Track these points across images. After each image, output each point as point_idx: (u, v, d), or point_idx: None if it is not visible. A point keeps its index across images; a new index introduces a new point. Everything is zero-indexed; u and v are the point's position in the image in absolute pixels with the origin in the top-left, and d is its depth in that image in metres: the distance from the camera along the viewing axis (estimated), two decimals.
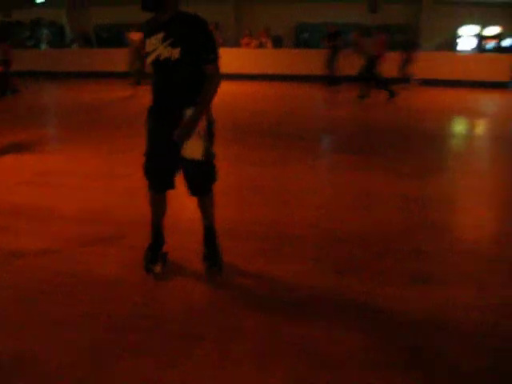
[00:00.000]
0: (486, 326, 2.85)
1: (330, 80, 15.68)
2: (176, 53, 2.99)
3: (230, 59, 15.73)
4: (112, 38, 21.94)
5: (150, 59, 3.09)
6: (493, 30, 20.54)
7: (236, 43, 19.45)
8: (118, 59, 16.11)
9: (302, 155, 6.82)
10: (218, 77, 3.12)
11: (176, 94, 3.11)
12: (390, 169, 6.14)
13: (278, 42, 19.38)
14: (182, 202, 3.85)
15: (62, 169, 6.05)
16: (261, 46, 17.65)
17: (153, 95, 3.22)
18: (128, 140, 7.56)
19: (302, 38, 22.15)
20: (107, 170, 5.93)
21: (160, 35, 3.02)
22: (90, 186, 5.32)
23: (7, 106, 11.90)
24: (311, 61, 17.23)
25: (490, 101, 14.04)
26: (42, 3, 21.45)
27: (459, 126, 10.37)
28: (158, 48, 3.02)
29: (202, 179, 3.29)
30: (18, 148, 7.06)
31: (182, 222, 4.08)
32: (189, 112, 3.02)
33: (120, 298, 3.10)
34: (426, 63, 16.47)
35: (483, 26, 20.40)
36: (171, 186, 3.33)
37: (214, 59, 3.08)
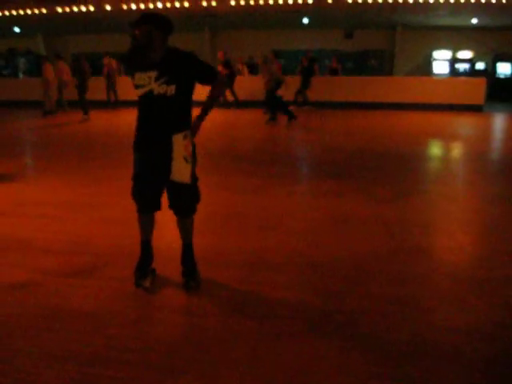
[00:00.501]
0: (470, 348, 2.82)
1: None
2: (171, 89, 3.20)
3: (205, 86, 15.81)
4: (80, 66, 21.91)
5: (140, 92, 3.27)
6: (465, 54, 20.98)
7: None
8: (94, 87, 16.09)
9: (280, 181, 6.83)
10: (223, 80, 3.66)
11: (166, 124, 3.29)
12: (367, 192, 6.16)
13: (254, 69, 19.56)
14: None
15: (38, 199, 5.94)
16: (237, 73, 17.75)
17: (139, 125, 3.39)
18: (103, 170, 7.53)
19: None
20: (84, 200, 5.85)
21: (153, 73, 3.19)
22: (67, 217, 5.23)
23: None
24: (287, 87, 17.39)
25: (464, 123, 14.24)
26: (18, 32, 21.37)
27: (434, 149, 10.47)
28: (151, 84, 3.20)
29: (188, 200, 3.49)
30: None
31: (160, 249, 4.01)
32: (177, 138, 3.25)
33: (100, 330, 3.02)
34: (400, 87, 16.78)
35: (456, 50, 20.81)
36: (158, 207, 3.53)
37: (215, 73, 3.42)
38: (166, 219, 3.96)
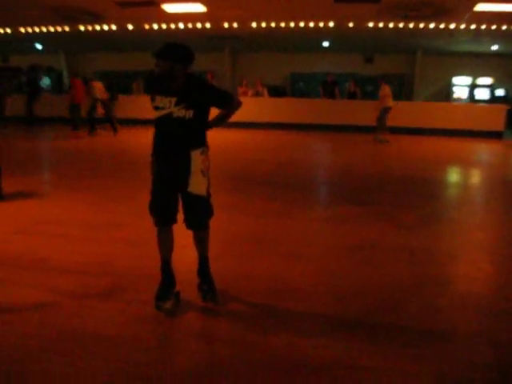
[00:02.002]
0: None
1: None
2: (190, 113, 3.42)
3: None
4: (112, 84, 22.15)
5: (159, 114, 3.48)
6: (485, 81, 20.89)
7: (232, 91, 19.65)
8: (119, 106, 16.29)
9: (301, 206, 6.73)
10: (237, 103, 3.72)
11: (184, 141, 3.50)
12: (389, 219, 6.04)
13: (274, 91, 19.57)
14: None
15: (58, 218, 5.89)
16: (257, 94, 17.80)
17: (158, 142, 3.57)
18: (125, 188, 7.49)
19: (298, 87, 22.40)
20: (105, 220, 5.80)
21: (173, 99, 3.41)
22: (88, 236, 5.18)
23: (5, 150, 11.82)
24: (308, 109, 17.42)
25: (485, 150, 14.11)
26: (40, 49, 21.67)
27: (455, 175, 10.35)
28: (171, 108, 3.42)
29: (203, 213, 3.64)
30: (15, 195, 6.92)
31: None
32: (195, 153, 3.49)
33: (118, 356, 2.92)
34: (420, 112, 16.70)
35: (476, 76, 20.73)
36: (174, 219, 3.63)
37: (230, 100, 3.65)
38: (185, 242, 3.90)
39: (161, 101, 3.45)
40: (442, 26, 14.85)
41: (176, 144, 3.51)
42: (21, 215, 6.01)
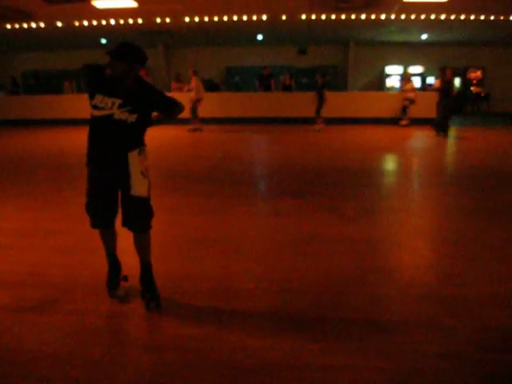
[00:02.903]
0: (452, 374, 2.70)
1: None
2: (133, 117, 3.32)
3: None
4: (39, 84, 21.41)
5: (97, 113, 3.33)
6: (416, 69, 21.42)
7: (167, 87, 19.38)
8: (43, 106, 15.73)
9: (241, 201, 6.66)
10: (179, 106, 3.61)
11: (121, 143, 3.38)
12: (331, 210, 6.05)
13: (208, 86, 19.36)
14: None
15: None
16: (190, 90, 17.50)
17: (93, 142, 3.43)
18: (57, 193, 7.20)
19: (233, 81, 22.31)
20: (36, 226, 5.54)
21: (117, 101, 3.28)
22: (20, 245, 4.92)
23: None
24: (243, 103, 17.37)
25: (420, 138, 14.44)
26: None
27: (393, 164, 10.53)
28: (113, 109, 3.28)
29: (145, 215, 3.52)
30: None
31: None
32: (132, 155, 3.38)
33: (61, 374, 2.76)
34: (354, 102, 16.94)
35: (407, 65, 21.22)
36: (111, 222, 3.59)
37: (175, 106, 3.57)
38: (125, 245, 3.75)
39: (101, 100, 3.29)
40: (373, 16, 15.10)
41: (113, 146, 3.38)
42: None
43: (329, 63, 21.48)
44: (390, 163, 10.58)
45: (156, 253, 3.84)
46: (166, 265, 4.26)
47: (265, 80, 17.47)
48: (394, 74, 21.48)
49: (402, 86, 17.91)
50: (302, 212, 6.03)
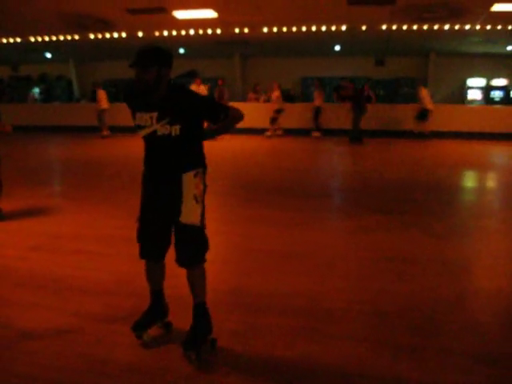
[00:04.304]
0: None
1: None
2: (176, 129, 2.95)
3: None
4: (119, 92, 21.97)
5: (143, 133, 3.03)
6: (500, 82, 20.60)
7: (243, 97, 19.47)
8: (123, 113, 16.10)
9: (319, 215, 6.50)
10: (236, 115, 3.18)
11: (174, 163, 3.06)
12: (419, 228, 5.79)
13: (285, 96, 19.29)
14: None
15: (74, 232, 5.66)
16: (269, 100, 17.51)
17: (147, 163, 3.18)
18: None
19: (309, 91, 22.13)
20: (123, 234, 5.55)
21: (154, 114, 2.96)
22: (107, 253, 4.95)
23: (15, 162, 11.67)
24: (325, 114, 17.18)
25: (506, 152, 13.81)
26: (50, 58, 21.60)
27: (480, 180, 10.06)
28: (153, 125, 2.97)
29: (196, 246, 3.10)
30: (28, 208, 6.72)
31: None
32: (187, 176, 3.02)
33: None
34: (436, 114, 16.41)
35: (490, 78, 20.45)
36: (163, 254, 3.22)
37: (224, 112, 3.08)
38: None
39: (141, 118, 3.00)
40: (456, 27, 14.58)
41: (165, 166, 3.08)
42: (34, 230, 5.79)
43: (407, 75, 20.96)
44: (477, 180, 10.12)
45: (242, 266, 3.75)
46: (252, 280, 4.16)
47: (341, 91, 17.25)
48: (476, 87, 20.73)
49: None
50: (389, 229, 5.80)
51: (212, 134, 3.34)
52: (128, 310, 3.62)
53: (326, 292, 4.00)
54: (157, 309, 3.31)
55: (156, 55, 2.92)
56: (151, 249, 3.19)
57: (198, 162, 3.12)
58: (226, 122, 3.14)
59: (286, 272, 4.44)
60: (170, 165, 3.05)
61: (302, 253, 4.96)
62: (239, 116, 3.20)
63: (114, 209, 6.75)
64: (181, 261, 3.09)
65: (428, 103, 15.73)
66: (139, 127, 3.02)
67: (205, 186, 3.14)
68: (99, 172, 10.22)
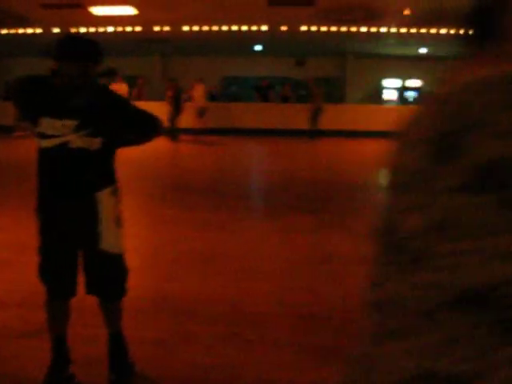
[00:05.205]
0: None
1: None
2: (96, 143, 2.41)
3: (158, 114, 15.50)
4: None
5: (48, 144, 2.41)
6: (414, 83, 21.40)
7: (163, 96, 19.20)
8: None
9: (248, 216, 6.46)
10: (157, 124, 2.67)
11: (88, 181, 2.50)
12: (343, 227, 5.84)
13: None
14: None
15: None
16: (189, 99, 17.27)
17: (46, 181, 2.53)
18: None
19: (230, 91, 22.13)
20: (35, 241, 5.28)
21: (70, 122, 2.37)
22: (21, 261, 4.65)
23: None
24: (241, 114, 17.19)
25: None
26: None
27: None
28: (67, 135, 2.38)
29: (121, 277, 2.66)
30: None
31: None
32: (103, 194, 2.49)
33: None
34: (352, 115, 16.83)
35: (405, 79, 21.22)
36: (74, 291, 2.65)
37: (152, 124, 2.63)
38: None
39: (49, 125, 2.38)
40: (373, 29, 15.00)
41: (74, 184, 2.48)
42: None
43: (327, 75, 21.38)
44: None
45: (164, 271, 3.63)
46: (177, 284, 4.05)
47: (263, 91, 17.35)
48: (391, 88, 21.46)
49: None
50: (313, 229, 5.81)
51: (123, 144, 2.69)
52: (43, 323, 3.40)
53: (250, 296, 3.93)
54: (62, 356, 2.73)
55: (88, 48, 2.39)
56: (62, 287, 2.63)
57: (113, 176, 2.62)
58: (148, 135, 2.70)
59: (209, 275, 4.34)
60: (81, 183, 2.49)
61: (225, 255, 4.88)
62: (160, 127, 2.74)
63: (26, 214, 6.40)
64: (102, 295, 2.65)
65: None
66: (43, 136, 2.40)
67: (121, 204, 2.67)
68: (12, 175, 9.71)
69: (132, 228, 5.36)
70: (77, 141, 2.38)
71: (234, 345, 3.17)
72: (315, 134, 15.80)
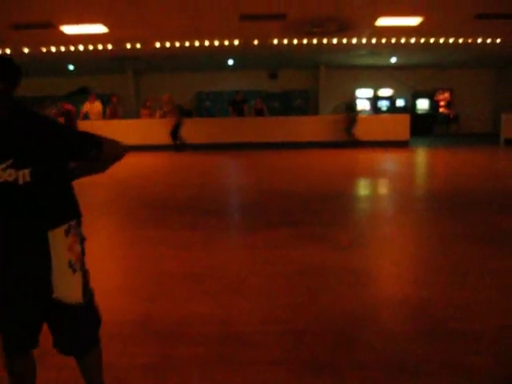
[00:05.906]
0: None
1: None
2: (25, 174, 2.03)
3: (131, 131, 15.48)
4: None
5: None
6: (386, 92, 21.67)
7: (137, 114, 19.10)
8: None
9: (229, 232, 6.39)
10: (116, 152, 2.34)
11: (30, 221, 2.14)
12: (322, 239, 5.82)
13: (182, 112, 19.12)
14: None
15: None
16: (165, 115, 17.20)
17: None
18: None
19: (204, 106, 22.10)
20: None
21: None
22: None
23: None
24: (216, 129, 17.16)
25: (397, 159, 14.41)
26: None
27: (376, 188, 10.37)
28: None
29: (86, 329, 2.34)
30: None
31: None
32: (55, 234, 2.14)
33: None
34: (326, 126, 16.92)
35: (377, 88, 21.48)
36: (35, 343, 2.30)
37: (98, 150, 2.19)
38: None
39: None
40: (344, 40, 15.14)
41: (15, 225, 2.13)
42: None
43: (300, 87, 21.53)
44: (373, 188, 10.45)
45: (145, 292, 3.54)
46: (160, 305, 3.96)
47: (237, 105, 17.35)
48: (364, 97, 21.68)
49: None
50: (293, 242, 5.74)
51: (79, 174, 2.41)
52: None
53: (236, 314, 3.84)
54: None
55: (5, 67, 2.10)
56: (20, 339, 2.26)
57: (68, 212, 2.25)
58: (101, 159, 2.27)
59: (193, 295, 4.24)
60: (22, 223, 2.13)
61: (207, 273, 4.78)
62: (118, 152, 2.35)
63: None
64: (67, 350, 2.33)
65: None
66: None
67: (82, 241, 2.30)
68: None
69: (111, 249, 5.31)
70: (1, 175, 2.01)
71: (226, 366, 3.08)
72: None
